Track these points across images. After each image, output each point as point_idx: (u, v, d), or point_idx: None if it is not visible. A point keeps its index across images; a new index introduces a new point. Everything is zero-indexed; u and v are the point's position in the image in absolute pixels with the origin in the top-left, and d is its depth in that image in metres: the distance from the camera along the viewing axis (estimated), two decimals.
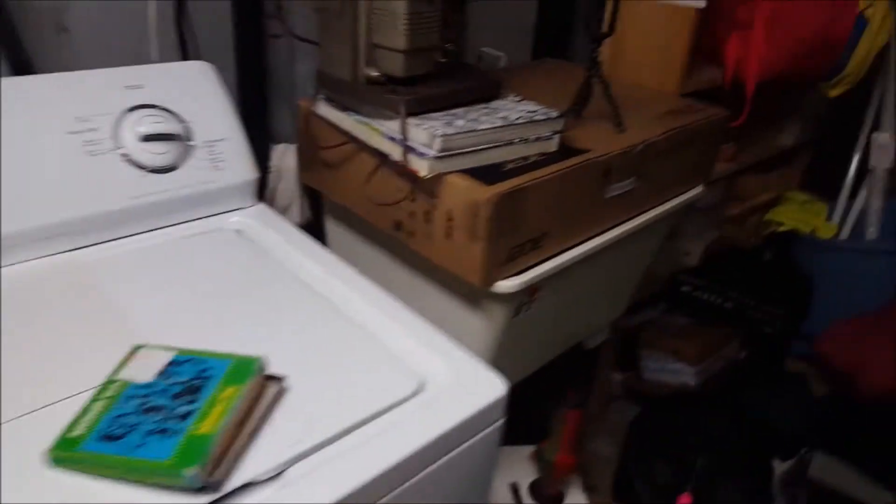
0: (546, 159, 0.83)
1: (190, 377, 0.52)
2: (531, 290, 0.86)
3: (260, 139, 1.07)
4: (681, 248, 1.61)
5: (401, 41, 0.76)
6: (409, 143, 0.76)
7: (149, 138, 0.76)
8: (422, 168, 0.75)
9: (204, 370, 0.52)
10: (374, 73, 0.80)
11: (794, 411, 1.44)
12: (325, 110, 0.89)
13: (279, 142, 1.09)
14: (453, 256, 0.80)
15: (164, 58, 0.90)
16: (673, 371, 1.46)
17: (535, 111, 0.84)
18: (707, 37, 1.26)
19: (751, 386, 1.51)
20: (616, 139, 0.91)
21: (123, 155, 0.75)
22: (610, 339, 1.39)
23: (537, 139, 0.83)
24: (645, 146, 0.92)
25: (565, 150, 0.86)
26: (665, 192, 1.04)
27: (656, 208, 1.02)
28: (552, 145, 0.86)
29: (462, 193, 0.75)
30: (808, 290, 1.56)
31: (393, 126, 0.78)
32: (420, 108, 0.78)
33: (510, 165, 0.80)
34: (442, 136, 0.73)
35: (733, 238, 1.67)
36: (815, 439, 1.36)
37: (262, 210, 0.87)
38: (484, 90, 0.87)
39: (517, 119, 0.81)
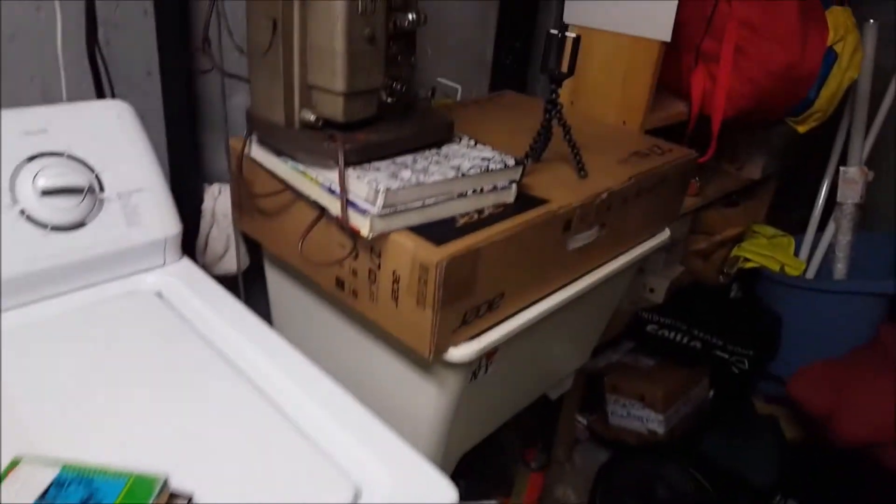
0: (503, 212, 0.77)
1: None
2: (488, 354, 0.80)
3: (192, 179, 0.99)
4: (645, 285, 1.57)
5: (339, 83, 0.69)
6: (349, 198, 0.69)
7: (49, 192, 0.67)
8: (363, 226, 0.68)
9: (91, 495, 0.44)
10: (311, 117, 0.73)
11: (765, 457, 1.40)
12: (259, 154, 0.81)
13: (214, 181, 1.01)
14: (400, 322, 0.72)
15: (76, 95, 0.82)
16: (639, 417, 1.41)
17: (490, 158, 0.78)
18: (671, 70, 1.22)
19: (720, 429, 1.47)
20: (578, 187, 0.85)
21: (21, 212, 0.66)
22: (573, 385, 1.33)
23: (493, 189, 0.77)
24: (609, 195, 0.87)
25: (523, 201, 0.80)
26: (630, 239, 0.99)
27: (621, 257, 0.97)
28: (509, 196, 0.80)
29: (408, 254, 0.68)
30: (776, 329, 1.53)
31: (332, 176, 0.70)
32: (361, 157, 0.71)
33: (463, 220, 0.74)
34: (385, 190, 0.66)
35: (699, 274, 1.64)
36: (789, 487, 1.32)
37: (186, 267, 0.78)
38: (435, 134, 0.80)
39: (470, 169, 0.74)
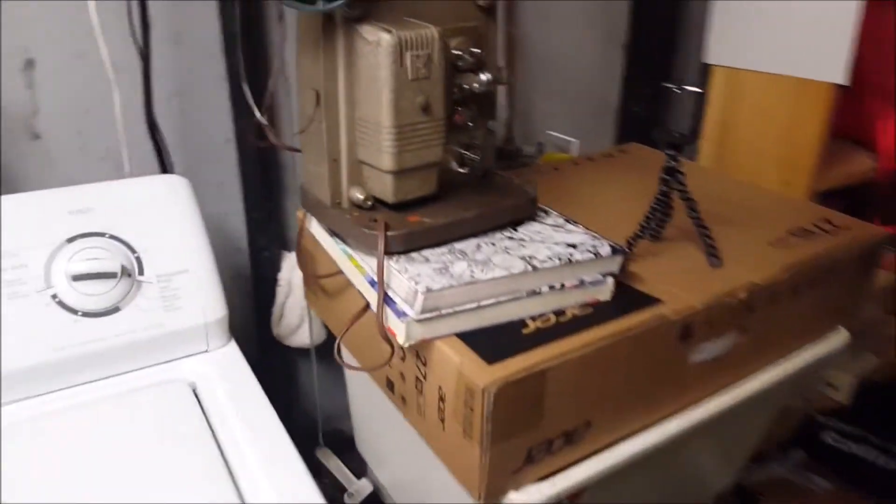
0: (592, 315, 0.62)
1: None
2: (571, 496, 0.64)
3: (269, 247, 0.95)
4: (823, 378, 1.28)
5: (386, 161, 0.60)
6: (389, 293, 0.59)
7: (80, 278, 0.64)
8: (399, 331, 0.57)
9: None
10: (359, 196, 0.64)
11: None
12: (317, 230, 0.74)
13: (293, 249, 0.96)
14: (447, 449, 0.60)
15: (140, 170, 0.80)
16: None
17: (576, 245, 0.64)
18: (849, 117, 0.98)
19: None
20: (708, 279, 0.68)
21: (53, 296, 0.64)
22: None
23: (579, 285, 0.63)
24: (750, 293, 0.68)
25: (626, 299, 0.64)
26: (786, 345, 0.78)
27: (771, 369, 0.76)
28: (604, 293, 0.65)
29: (453, 370, 0.56)
30: None
31: (374, 266, 0.61)
32: (409, 245, 0.61)
33: (534, 326, 0.60)
34: (425, 291, 0.55)
35: None
36: None
37: (229, 355, 0.73)
38: (511, 213, 0.68)
39: (546, 260, 0.61)
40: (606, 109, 1.26)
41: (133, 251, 0.68)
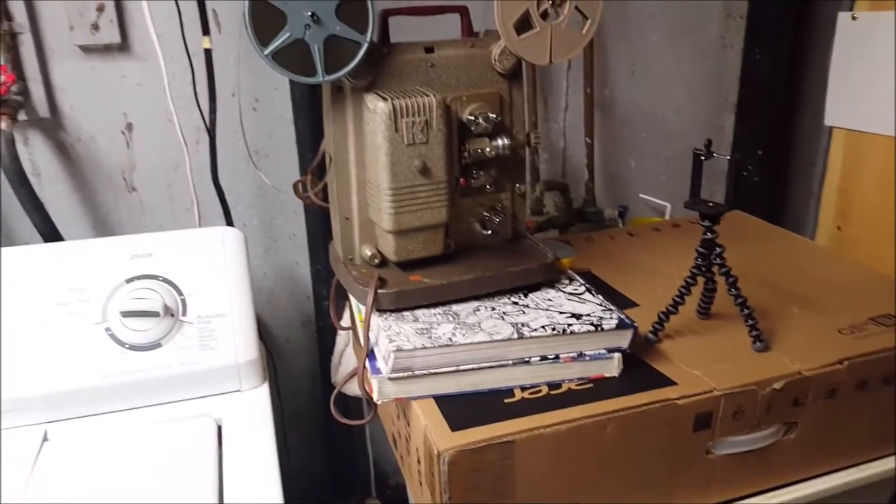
0: (588, 391, 0.61)
1: None
2: None
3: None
4: None
5: (386, 221, 0.64)
6: (375, 350, 0.62)
7: (129, 315, 0.75)
8: (374, 389, 0.60)
9: None
10: (368, 253, 0.69)
11: None
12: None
13: None
14: None
15: (209, 220, 0.92)
16: None
17: (580, 316, 0.63)
18: None
19: None
20: (744, 365, 0.64)
21: (106, 329, 0.75)
22: None
23: (578, 358, 0.62)
24: (788, 383, 0.62)
25: (635, 377, 0.62)
26: (847, 453, 0.70)
27: (830, 478, 0.68)
28: (609, 368, 0.63)
29: (421, 433, 0.58)
30: None
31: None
32: (399, 304, 0.64)
33: (522, 396, 0.60)
34: (395, 350, 0.58)
35: None
36: None
37: (259, 398, 0.79)
38: (518, 278, 0.69)
39: (537, 330, 0.61)
40: (711, 173, 1.20)
41: (180, 293, 0.78)
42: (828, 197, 1.03)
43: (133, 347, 0.75)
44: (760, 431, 0.64)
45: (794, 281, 0.81)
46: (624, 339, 0.63)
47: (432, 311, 0.65)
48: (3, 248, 0.76)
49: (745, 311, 0.67)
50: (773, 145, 1.17)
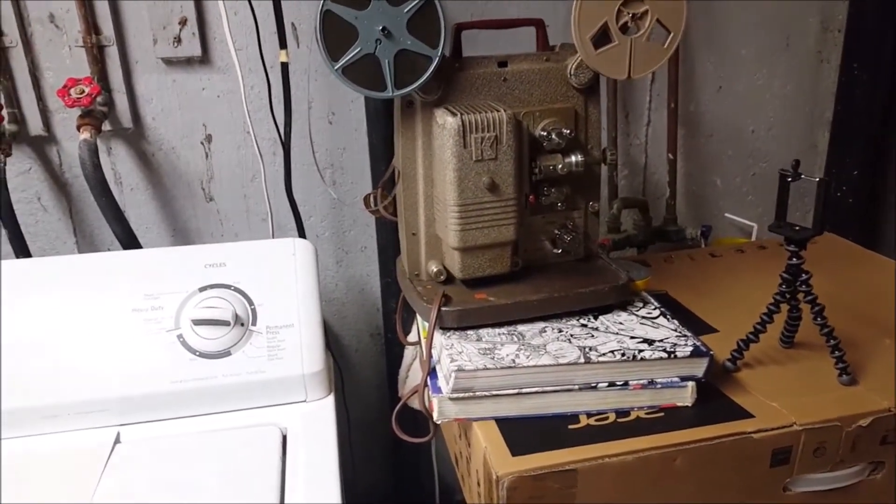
0: (658, 421, 0.60)
1: None
2: None
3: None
4: None
5: (451, 237, 0.65)
6: (437, 368, 0.63)
7: (200, 323, 0.78)
8: (434, 408, 0.61)
9: None
10: (434, 269, 0.70)
11: None
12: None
13: None
14: None
15: (283, 231, 0.96)
16: None
17: (652, 342, 0.62)
18: None
19: None
20: (829, 399, 0.61)
21: (179, 336, 0.79)
22: None
23: (648, 385, 0.61)
24: (876, 420, 0.59)
25: (711, 408, 0.61)
26: None
27: None
28: (682, 398, 0.62)
29: (480, 456, 0.58)
30: None
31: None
32: (462, 323, 0.64)
33: (587, 422, 0.60)
34: (456, 370, 0.58)
35: None
36: None
37: (324, 408, 0.81)
38: (587, 300, 0.68)
39: (606, 355, 0.60)
40: (803, 194, 1.16)
41: (251, 303, 0.81)
42: None
43: (203, 355, 0.78)
44: (844, 470, 0.61)
45: (886, 311, 0.77)
46: (699, 368, 0.61)
47: (497, 330, 0.65)
48: (86, 254, 0.81)
49: (832, 341, 0.64)
50: (868, 165, 1.11)
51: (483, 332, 0.65)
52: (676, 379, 0.61)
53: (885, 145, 1.12)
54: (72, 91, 0.88)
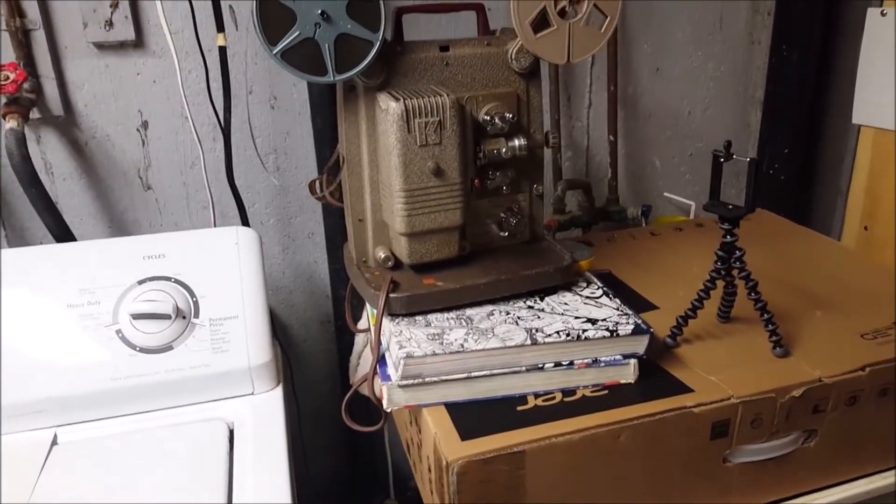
0: (603, 399, 0.61)
1: None
2: None
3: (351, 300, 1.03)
4: None
5: (398, 223, 0.64)
6: (386, 356, 0.62)
7: (139, 317, 0.76)
8: (384, 396, 0.60)
9: None
10: (381, 255, 0.69)
11: None
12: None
13: None
14: None
15: (225, 219, 0.93)
16: None
17: (595, 322, 0.63)
18: None
19: None
20: (763, 371, 0.63)
21: (117, 331, 0.76)
22: None
23: (592, 364, 0.62)
24: (808, 391, 0.62)
25: (652, 384, 0.62)
26: (871, 461, 0.69)
27: (853, 486, 0.68)
28: (625, 375, 0.63)
29: (431, 442, 0.58)
30: None
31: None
32: (411, 308, 0.64)
33: (535, 403, 0.60)
34: (405, 357, 0.58)
35: None
36: None
37: (272, 400, 0.80)
38: (532, 282, 0.68)
39: (552, 336, 0.61)
40: (737, 173, 1.19)
41: (193, 295, 0.79)
42: (855, 196, 1.01)
43: (144, 350, 0.76)
44: (779, 440, 0.63)
45: (818, 283, 0.80)
46: (640, 345, 0.62)
47: (446, 315, 0.65)
48: (15, 248, 0.78)
49: (765, 315, 0.66)
50: (800, 143, 1.15)
51: (432, 317, 0.64)
52: (619, 357, 0.62)
53: (815, 123, 1.16)
54: None
